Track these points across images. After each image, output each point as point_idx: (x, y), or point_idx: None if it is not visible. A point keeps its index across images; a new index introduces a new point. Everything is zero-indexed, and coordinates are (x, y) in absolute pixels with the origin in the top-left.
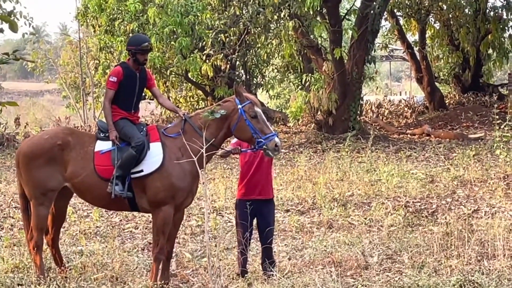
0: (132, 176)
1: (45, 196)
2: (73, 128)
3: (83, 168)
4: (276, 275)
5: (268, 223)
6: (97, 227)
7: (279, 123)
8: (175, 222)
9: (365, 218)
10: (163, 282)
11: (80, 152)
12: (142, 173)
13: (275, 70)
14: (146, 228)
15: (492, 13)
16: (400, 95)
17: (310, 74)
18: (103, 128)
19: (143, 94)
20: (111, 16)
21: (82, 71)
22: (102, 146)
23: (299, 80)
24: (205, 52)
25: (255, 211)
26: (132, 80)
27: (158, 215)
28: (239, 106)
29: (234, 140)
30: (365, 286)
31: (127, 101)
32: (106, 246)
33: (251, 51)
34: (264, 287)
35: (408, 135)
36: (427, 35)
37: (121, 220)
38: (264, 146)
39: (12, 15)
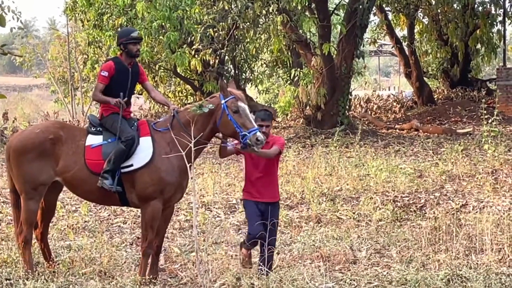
0: (122, 170)
1: (36, 191)
2: (64, 122)
3: (74, 162)
4: (269, 272)
5: (271, 228)
6: (86, 221)
7: None
8: (165, 217)
9: (354, 213)
10: (151, 276)
11: (71, 146)
12: (132, 168)
13: (264, 65)
14: (134, 223)
15: (480, 8)
16: (389, 90)
17: (298, 69)
18: (94, 122)
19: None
20: (100, 11)
21: (70, 66)
22: (93, 140)
23: (288, 75)
24: (193, 47)
25: (260, 212)
26: (124, 75)
27: (147, 210)
28: (222, 101)
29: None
30: (354, 280)
31: (118, 96)
32: (95, 240)
33: (240, 46)
34: (252, 281)
35: (397, 130)
36: (415, 30)
37: (109, 215)
38: (247, 141)
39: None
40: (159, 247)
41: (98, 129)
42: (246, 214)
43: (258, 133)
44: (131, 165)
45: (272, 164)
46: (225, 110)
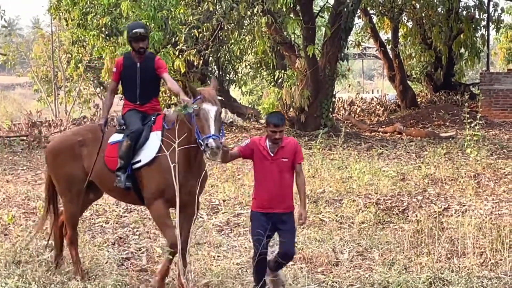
0: (133, 166)
1: (71, 193)
2: (95, 125)
3: (98, 160)
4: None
5: (288, 245)
6: None
7: (251, 120)
8: (187, 217)
9: (336, 215)
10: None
11: (97, 146)
12: (140, 164)
13: (248, 66)
14: (116, 223)
15: (464, 12)
16: (372, 93)
17: (283, 71)
18: (119, 121)
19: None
20: (84, 10)
21: (54, 65)
22: (115, 138)
23: (272, 76)
24: (178, 47)
25: (273, 226)
26: (131, 70)
27: (151, 210)
28: (191, 102)
29: (245, 142)
30: (336, 282)
31: (130, 92)
32: None
33: (224, 47)
34: (235, 282)
35: (380, 133)
36: (399, 34)
37: (91, 215)
38: (204, 149)
39: None
40: (184, 249)
41: (122, 127)
42: (251, 228)
43: (210, 140)
44: (140, 161)
45: (287, 171)
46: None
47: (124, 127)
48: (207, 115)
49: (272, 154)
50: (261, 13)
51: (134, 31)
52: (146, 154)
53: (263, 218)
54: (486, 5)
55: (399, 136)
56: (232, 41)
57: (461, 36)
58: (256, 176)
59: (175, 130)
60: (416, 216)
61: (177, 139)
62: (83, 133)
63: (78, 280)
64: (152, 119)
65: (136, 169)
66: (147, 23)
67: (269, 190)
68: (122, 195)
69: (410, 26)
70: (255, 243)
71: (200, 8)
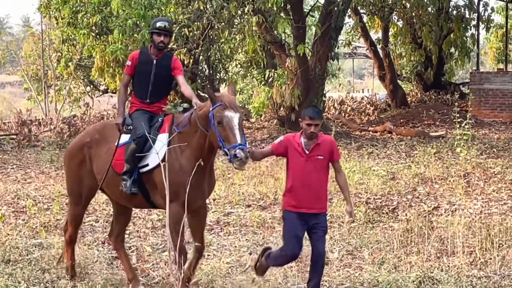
0: (141, 170)
1: (81, 196)
2: (107, 122)
3: (107, 163)
4: None
5: (322, 246)
6: (58, 220)
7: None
8: (197, 219)
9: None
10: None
11: (104, 147)
12: (148, 167)
13: (239, 66)
14: (106, 222)
15: (454, 12)
16: (363, 92)
17: (273, 70)
18: (127, 121)
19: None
20: (74, 8)
21: (44, 64)
22: (123, 139)
23: (262, 75)
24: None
25: (306, 226)
26: (146, 66)
27: (168, 213)
28: (210, 109)
29: (279, 139)
30: (325, 281)
31: (141, 89)
32: None
33: (214, 46)
34: (225, 281)
35: (370, 132)
36: (390, 33)
37: None
38: (231, 159)
39: None
40: (201, 249)
41: (129, 128)
42: (284, 228)
43: (238, 150)
44: (147, 165)
45: (322, 169)
46: (212, 120)
47: (132, 128)
48: (231, 123)
49: (307, 152)
50: (251, 12)
51: (159, 23)
52: (154, 157)
53: (298, 217)
54: (476, 4)
55: (389, 135)
56: (223, 40)
57: (451, 35)
58: (291, 174)
59: (185, 134)
60: (406, 215)
61: (187, 142)
62: (91, 133)
63: (67, 279)
64: (160, 120)
65: (144, 173)
66: (138, 22)
67: (304, 188)
68: (128, 199)
69: (401, 26)
70: (289, 243)
71: (190, 7)
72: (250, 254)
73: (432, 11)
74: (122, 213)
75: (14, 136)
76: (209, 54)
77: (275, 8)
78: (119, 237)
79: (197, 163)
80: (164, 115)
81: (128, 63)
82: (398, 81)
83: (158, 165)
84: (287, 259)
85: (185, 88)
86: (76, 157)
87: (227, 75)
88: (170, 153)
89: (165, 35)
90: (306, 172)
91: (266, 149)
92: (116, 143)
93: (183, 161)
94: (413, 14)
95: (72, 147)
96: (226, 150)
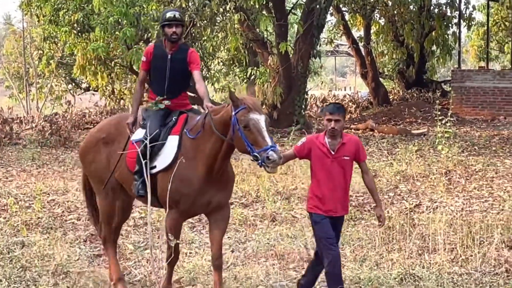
0: (151, 172)
1: (105, 190)
2: (122, 116)
3: (122, 159)
4: None
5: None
6: (39, 218)
7: None
8: (217, 224)
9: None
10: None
11: (120, 143)
12: (155, 170)
13: (221, 63)
14: (88, 220)
15: (436, 10)
16: (345, 90)
17: (255, 68)
18: (144, 115)
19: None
20: (56, 6)
21: (25, 61)
22: (137, 134)
23: (245, 73)
24: (150, 43)
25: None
26: (161, 60)
27: (166, 219)
28: (233, 113)
29: (301, 141)
30: None
31: (158, 84)
32: (48, 237)
33: (196, 43)
34: (207, 279)
35: (352, 130)
36: (372, 31)
37: (63, 211)
38: (262, 163)
39: None
40: (218, 256)
41: (145, 122)
42: (317, 233)
43: (270, 152)
44: (155, 167)
45: (348, 170)
46: (236, 124)
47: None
48: (258, 125)
49: (333, 152)
50: (233, 10)
51: (168, 14)
52: (162, 160)
53: (327, 220)
54: (457, 2)
55: (371, 133)
56: (205, 37)
57: (433, 33)
58: (316, 176)
59: (198, 140)
60: (388, 212)
61: (199, 150)
62: (106, 129)
63: (110, 285)
64: (174, 119)
65: (153, 174)
66: (119, 19)
67: (331, 191)
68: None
69: (382, 24)
70: (327, 250)
71: (172, 4)
72: (232, 251)
73: (414, 9)
74: (126, 210)
75: None
76: None
77: (257, 6)
78: (116, 233)
79: (205, 172)
80: (179, 113)
81: (143, 58)
82: (380, 79)
83: (164, 169)
84: (335, 261)
85: (200, 86)
86: (91, 153)
87: (209, 73)
88: (183, 157)
89: (177, 25)
90: (332, 174)
91: (288, 152)
92: (130, 139)
93: (189, 171)
94: (395, 12)
95: (86, 145)
96: (257, 154)
